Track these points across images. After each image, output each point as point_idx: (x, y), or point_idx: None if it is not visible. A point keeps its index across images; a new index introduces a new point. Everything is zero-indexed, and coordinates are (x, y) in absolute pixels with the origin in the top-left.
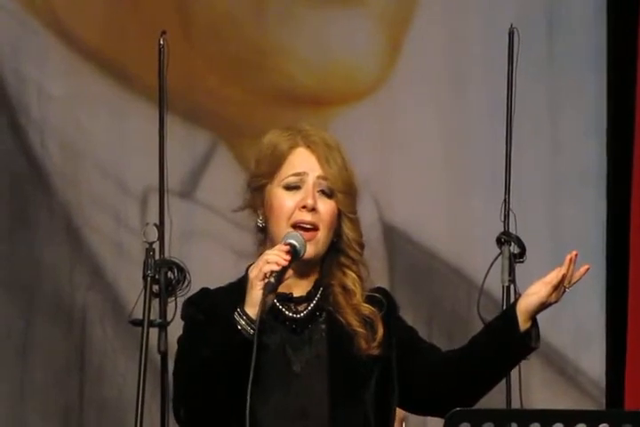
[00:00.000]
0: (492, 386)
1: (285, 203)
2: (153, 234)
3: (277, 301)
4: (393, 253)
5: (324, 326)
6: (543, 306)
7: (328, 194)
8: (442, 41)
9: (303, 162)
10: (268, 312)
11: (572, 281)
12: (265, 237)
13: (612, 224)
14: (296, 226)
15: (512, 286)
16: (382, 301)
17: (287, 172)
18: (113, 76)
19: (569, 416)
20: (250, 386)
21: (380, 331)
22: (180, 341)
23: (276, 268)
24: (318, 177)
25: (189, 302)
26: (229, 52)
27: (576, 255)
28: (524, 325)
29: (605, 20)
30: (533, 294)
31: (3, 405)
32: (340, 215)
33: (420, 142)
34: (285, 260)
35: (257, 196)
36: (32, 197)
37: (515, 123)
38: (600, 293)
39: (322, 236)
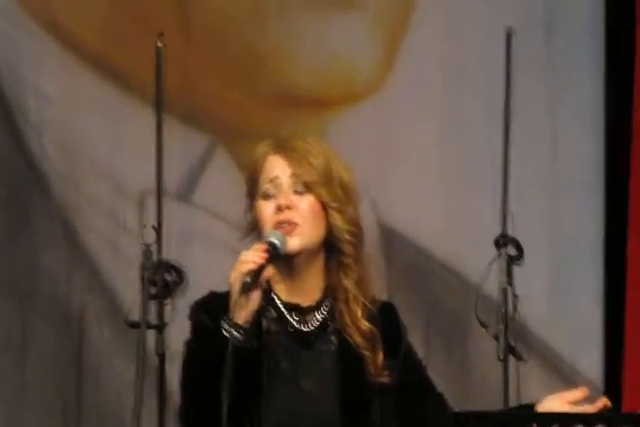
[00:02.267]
0: None
1: (265, 212)
2: (150, 236)
3: (286, 312)
4: (391, 256)
5: (333, 338)
6: None
7: (302, 192)
8: (439, 43)
9: (274, 167)
10: (278, 324)
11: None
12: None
13: (610, 226)
14: (276, 228)
15: (510, 288)
16: (379, 321)
17: (262, 182)
18: (111, 78)
19: (566, 418)
20: (226, 393)
21: (380, 356)
22: (185, 346)
23: (253, 266)
24: (290, 176)
25: (198, 307)
26: (228, 54)
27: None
28: None
29: (603, 21)
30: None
31: (1, 407)
32: (325, 209)
33: (419, 144)
34: (261, 257)
35: (250, 217)
36: (30, 200)
37: (512, 124)
38: (598, 294)
39: (304, 229)
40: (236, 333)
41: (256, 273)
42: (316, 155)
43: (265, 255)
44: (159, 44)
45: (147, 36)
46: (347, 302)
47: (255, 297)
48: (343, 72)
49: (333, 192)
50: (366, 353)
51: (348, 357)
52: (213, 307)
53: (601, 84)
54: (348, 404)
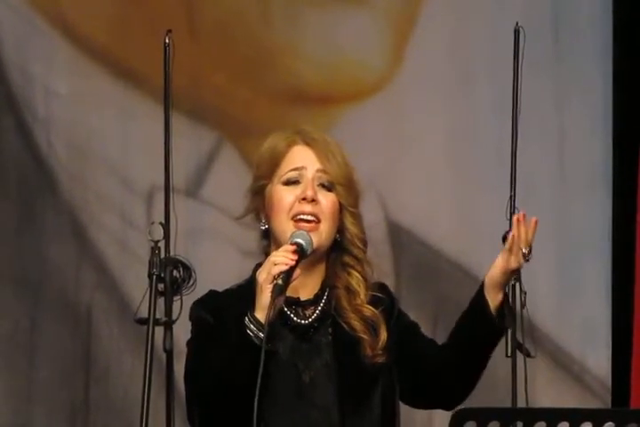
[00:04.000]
0: (486, 362)
1: (285, 197)
2: (158, 232)
3: (285, 305)
4: (399, 252)
5: (330, 330)
6: (506, 274)
7: (328, 187)
8: (448, 39)
9: (302, 157)
10: (277, 318)
11: (528, 240)
12: (269, 243)
13: (618, 222)
14: (297, 218)
15: (517, 285)
16: (385, 299)
17: (286, 168)
18: (119, 75)
19: (574, 415)
20: (257, 392)
21: (384, 335)
22: (189, 344)
23: (285, 268)
24: (317, 170)
25: (198, 304)
26: (236, 51)
27: (524, 216)
28: (494, 300)
29: (611, 17)
30: (495, 266)
31: (9, 404)
32: (341, 210)
33: (427, 140)
34: (292, 259)
35: (258, 199)
36: (38, 196)
37: (521, 121)
38: (606, 291)
39: (324, 227)
40: (261, 333)
41: (287, 276)
42: (343, 156)
43: (295, 257)
44: (167, 41)
45: (155, 33)
46: (347, 290)
47: (282, 298)
48: (351, 68)
49: (353, 196)
50: (364, 336)
51: (344, 345)
52: (214, 305)
53: (609, 80)
54: (346, 392)
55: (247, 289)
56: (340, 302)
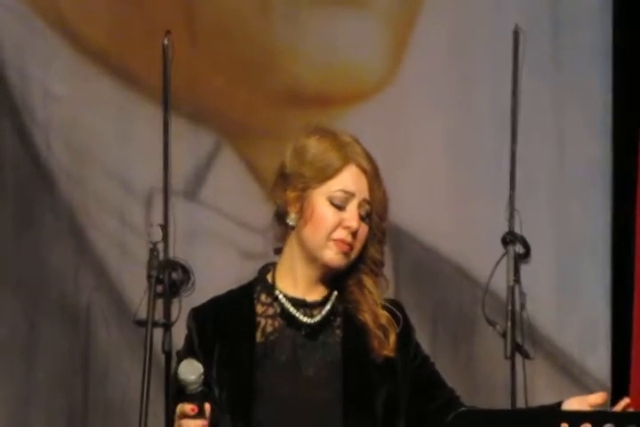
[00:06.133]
0: None
1: (330, 217)
2: (157, 234)
3: (291, 306)
4: (398, 254)
5: (339, 332)
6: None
7: (365, 217)
8: (447, 41)
9: (355, 182)
10: (281, 319)
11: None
12: (285, 232)
13: (618, 224)
14: (337, 239)
15: (517, 286)
16: (398, 316)
17: (336, 185)
18: (118, 77)
19: (574, 417)
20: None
21: (393, 337)
22: (177, 355)
23: None
24: (364, 200)
25: (194, 317)
26: (235, 52)
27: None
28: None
29: (611, 18)
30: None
31: (7, 406)
32: (369, 237)
33: (426, 142)
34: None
35: (297, 194)
36: (37, 198)
37: (520, 122)
38: (605, 293)
39: (353, 254)
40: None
41: None
42: (383, 184)
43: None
44: (166, 43)
45: (154, 34)
46: (360, 288)
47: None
48: (350, 70)
49: (384, 227)
50: (375, 331)
51: (352, 344)
52: (205, 317)
53: (609, 80)
54: (350, 391)
55: (248, 290)
56: (355, 296)
